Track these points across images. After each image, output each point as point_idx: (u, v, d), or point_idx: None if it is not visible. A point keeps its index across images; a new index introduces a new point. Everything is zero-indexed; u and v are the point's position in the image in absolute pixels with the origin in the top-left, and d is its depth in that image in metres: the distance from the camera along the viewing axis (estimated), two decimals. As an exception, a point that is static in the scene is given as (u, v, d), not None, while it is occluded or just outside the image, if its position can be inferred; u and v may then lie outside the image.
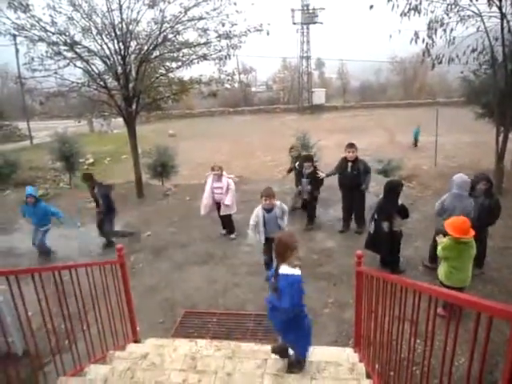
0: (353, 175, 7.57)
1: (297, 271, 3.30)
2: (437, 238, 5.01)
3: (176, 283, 6.44)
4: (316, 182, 8.04)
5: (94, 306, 3.80)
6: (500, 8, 9.06)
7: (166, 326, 5.28)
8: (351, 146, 7.67)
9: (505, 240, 7.23)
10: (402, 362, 2.87)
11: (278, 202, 6.04)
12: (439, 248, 4.72)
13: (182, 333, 5.03)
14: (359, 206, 7.81)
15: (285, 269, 3.29)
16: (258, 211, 5.97)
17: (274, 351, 3.73)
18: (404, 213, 6.11)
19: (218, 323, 5.26)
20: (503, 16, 9.12)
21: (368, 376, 3.53)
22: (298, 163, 8.65)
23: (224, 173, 7.89)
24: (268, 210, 5.93)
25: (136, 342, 4.54)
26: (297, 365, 3.61)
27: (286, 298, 3.19)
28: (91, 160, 21.33)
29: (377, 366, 3.42)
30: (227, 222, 8.12)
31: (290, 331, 3.49)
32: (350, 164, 7.58)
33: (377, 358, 3.42)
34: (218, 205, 7.93)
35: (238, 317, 5.37)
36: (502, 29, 9.28)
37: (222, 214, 7.96)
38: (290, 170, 9.67)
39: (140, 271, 6.94)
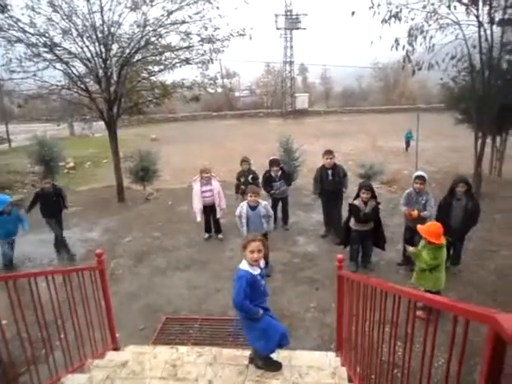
0: (334, 182, 7.56)
1: (249, 268, 3.41)
2: (408, 249, 5.09)
3: (157, 289, 6.35)
4: (289, 181, 8.45)
5: (71, 314, 3.71)
6: (477, 17, 9.29)
7: (147, 333, 5.19)
8: (329, 152, 7.63)
9: (483, 243, 7.37)
10: (382, 364, 2.87)
11: (263, 202, 6.11)
12: (424, 260, 4.78)
13: (163, 339, 4.95)
14: (337, 216, 7.77)
15: (242, 264, 3.47)
16: (243, 206, 6.15)
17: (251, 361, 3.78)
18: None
19: (199, 329, 5.20)
20: (480, 24, 9.34)
21: (350, 380, 3.53)
22: (251, 176, 8.31)
23: (213, 174, 7.96)
24: (252, 207, 6.06)
25: (115, 349, 4.44)
26: (258, 361, 3.67)
27: (236, 289, 3.34)
28: (72, 164, 20.93)
29: (358, 370, 3.42)
30: (218, 223, 8.24)
31: (253, 329, 3.56)
32: (330, 171, 7.55)
33: (358, 361, 3.42)
34: (206, 208, 7.93)
35: (220, 322, 5.31)
36: (480, 37, 9.51)
37: (217, 217, 8.11)
38: (238, 188, 8.37)
39: (120, 277, 6.83)
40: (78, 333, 3.76)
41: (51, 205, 7.60)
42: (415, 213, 6.04)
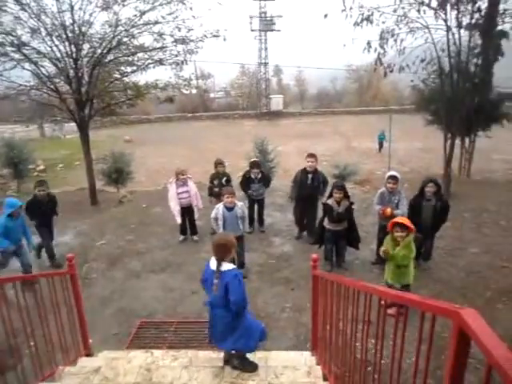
0: (313, 187, 7.38)
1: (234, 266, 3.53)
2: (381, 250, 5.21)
3: (132, 293, 6.25)
4: (268, 183, 8.42)
5: (42, 320, 3.62)
6: (446, 21, 9.56)
7: (121, 338, 5.11)
8: (312, 156, 7.41)
9: (453, 241, 7.57)
10: (356, 362, 2.91)
11: (239, 203, 6.13)
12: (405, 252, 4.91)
13: (138, 344, 4.88)
14: (312, 217, 7.65)
15: (226, 265, 3.43)
16: (219, 208, 6.16)
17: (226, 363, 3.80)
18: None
19: (175, 332, 5.15)
20: (448, 29, 9.61)
21: (325, 378, 3.57)
22: (225, 179, 8.21)
23: (189, 175, 7.94)
24: (229, 208, 6.10)
25: (88, 355, 4.35)
26: (234, 360, 3.71)
27: (236, 290, 3.32)
28: (42, 166, 20.41)
29: (333, 368, 3.46)
30: (194, 225, 8.18)
31: (236, 329, 3.51)
32: (310, 176, 7.34)
33: (333, 359, 3.46)
34: (182, 210, 7.85)
35: (196, 325, 5.27)
36: (448, 41, 9.78)
37: (195, 217, 8.06)
38: (212, 190, 8.29)
39: (93, 282, 6.69)
40: (48, 340, 3.67)
41: (44, 213, 7.14)
42: (389, 210, 6.17)
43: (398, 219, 4.94)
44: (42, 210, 7.12)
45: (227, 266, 3.43)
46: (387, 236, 5.16)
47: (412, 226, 4.85)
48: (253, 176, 8.02)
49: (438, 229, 6.50)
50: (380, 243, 6.27)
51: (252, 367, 3.69)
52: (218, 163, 8.44)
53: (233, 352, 3.72)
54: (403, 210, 6.24)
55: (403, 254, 4.84)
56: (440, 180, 6.90)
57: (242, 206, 6.28)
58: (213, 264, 3.49)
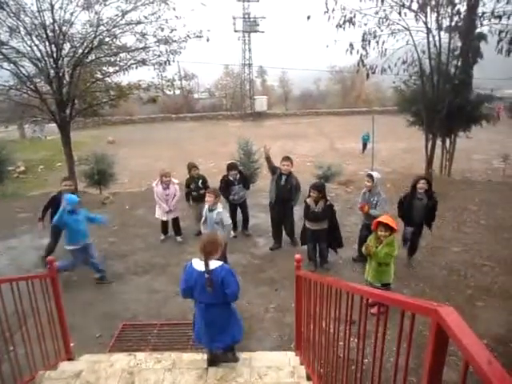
0: (286, 189, 7.25)
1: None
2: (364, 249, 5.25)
3: (114, 295, 6.17)
4: (247, 184, 8.33)
5: (21, 324, 3.54)
6: (426, 23, 9.73)
7: (103, 341, 5.03)
8: (287, 159, 7.36)
9: (435, 240, 7.69)
10: (339, 361, 2.93)
11: (217, 210, 6.00)
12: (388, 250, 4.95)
13: (120, 347, 4.82)
14: (289, 219, 7.55)
15: (214, 263, 3.47)
16: (205, 207, 6.23)
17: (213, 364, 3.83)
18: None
19: (158, 334, 5.10)
20: (429, 31, 9.79)
21: (308, 378, 3.58)
22: (201, 181, 8.07)
23: (172, 179, 7.92)
24: (210, 209, 6.09)
25: (69, 359, 4.28)
26: (230, 354, 3.94)
27: (233, 283, 3.45)
28: (22, 168, 20.07)
29: (317, 368, 3.47)
30: (177, 225, 8.16)
31: (232, 323, 3.72)
32: (284, 177, 7.25)
33: (317, 359, 3.48)
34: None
35: (180, 326, 5.24)
36: (429, 43, 9.97)
37: (173, 217, 8.03)
38: (189, 195, 8.22)
39: (75, 284, 6.58)
40: (28, 344, 3.59)
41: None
42: (366, 208, 6.34)
43: (382, 219, 4.98)
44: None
45: (215, 264, 3.45)
46: (371, 235, 5.21)
47: (395, 227, 4.91)
48: (231, 178, 7.87)
49: (431, 226, 6.67)
50: (362, 241, 6.46)
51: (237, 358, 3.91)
52: (192, 167, 8.21)
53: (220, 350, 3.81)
54: (379, 211, 6.21)
55: (385, 252, 4.89)
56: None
57: (219, 213, 5.98)
58: (198, 265, 3.46)
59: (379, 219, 5.04)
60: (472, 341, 1.12)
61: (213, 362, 3.82)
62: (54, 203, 6.76)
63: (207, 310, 3.51)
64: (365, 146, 23.39)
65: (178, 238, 8.11)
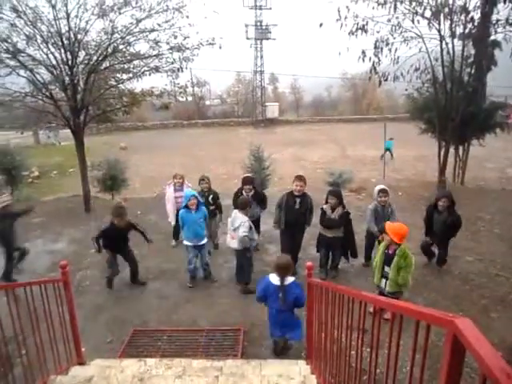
0: (300, 212, 6.46)
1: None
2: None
3: (125, 301, 6.20)
4: (264, 204, 7.59)
5: (33, 328, 3.57)
6: (439, 31, 9.68)
7: (114, 346, 5.06)
8: (300, 179, 6.47)
9: (448, 249, 7.56)
10: (351, 371, 2.89)
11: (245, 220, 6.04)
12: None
13: (131, 352, 4.84)
14: (298, 244, 6.84)
15: (289, 279, 4.28)
16: (245, 220, 6.07)
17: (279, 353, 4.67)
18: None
19: (168, 340, 5.10)
20: (442, 38, 9.74)
21: (319, 388, 3.54)
22: (211, 197, 7.50)
23: (186, 182, 7.92)
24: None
25: (81, 364, 4.30)
26: (290, 345, 4.65)
27: (302, 297, 4.25)
28: (36, 173, 20.35)
29: (328, 377, 3.43)
30: None
31: (294, 323, 4.48)
32: (298, 200, 6.43)
33: (328, 368, 3.44)
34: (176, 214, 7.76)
35: (190, 333, 5.24)
36: (442, 50, 9.90)
37: None
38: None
39: (87, 289, 6.63)
40: (40, 348, 3.62)
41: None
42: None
43: (389, 228, 4.95)
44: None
45: (289, 280, 4.27)
46: (383, 242, 5.19)
47: (397, 239, 4.82)
48: (245, 193, 7.18)
49: (447, 242, 6.74)
50: (369, 245, 6.95)
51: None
52: (201, 180, 7.55)
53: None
54: (395, 219, 6.35)
55: (405, 262, 4.84)
56: (430, 190, 6.95)
57: (246, 224, 5.99)
58: (274, 280, 4.31)
59: (386, 228, 4.97)
60: (490, 354, 1.10)
61: (279, 351, 4.64)
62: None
63: (277, 314, 4.37)
64: (388, 151, 22.37)
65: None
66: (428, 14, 9.51)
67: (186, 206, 6.31)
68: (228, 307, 5.87)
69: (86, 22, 9.49)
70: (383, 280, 5.13)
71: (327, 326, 3.43)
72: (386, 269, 5.06)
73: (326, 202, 6.41)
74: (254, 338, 5.11)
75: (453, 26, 9.78)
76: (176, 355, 4.62)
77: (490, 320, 5.27)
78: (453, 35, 9.94)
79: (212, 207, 7.34)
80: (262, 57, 45.35)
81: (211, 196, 7.49)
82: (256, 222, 7.43)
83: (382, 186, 6.64)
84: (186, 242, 6.55)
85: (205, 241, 6.57)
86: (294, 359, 4.41)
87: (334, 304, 3.16)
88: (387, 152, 22.41)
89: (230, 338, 5.08)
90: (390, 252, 4.99)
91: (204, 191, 7.49)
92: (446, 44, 9.92)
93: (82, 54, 9.89)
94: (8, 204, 7.00)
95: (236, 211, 6.15)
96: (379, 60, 9.99)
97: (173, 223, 7.93)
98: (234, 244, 6.12)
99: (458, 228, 6.52)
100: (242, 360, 4.35)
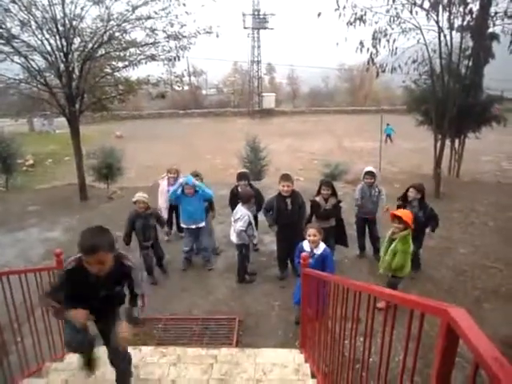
0: (293, 212, 6.11)
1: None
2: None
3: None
4: (259, 205, 6.79)
5: (29, 316, 3.58)
6: (437, 22, 9.62)
7: (109, 334, 5.07)
8: (286, 178, 6.11)
9: (443, 240, 7.63)
10: (344, 360, 2.92)
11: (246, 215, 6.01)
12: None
13: (126, 340, 4.85)
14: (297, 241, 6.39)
15: (321, 246, 4.80)
16: (245, 215, 5.99)
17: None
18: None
19: (163, 329, 5.12)
20: (440, 30, 9.68)
21: (313, 375, 3.58)
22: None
23: (181, 175, 7.73)
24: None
25: (76, 351, 4.31)
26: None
27: (331, 266, 4.68)
28: (31, 161, 20.24)
29: (321, 366, 3.47)
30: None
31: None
32: (288, 200, 6.07)
33: (321, 357, 3.47)
34: (172, 207, 7.68)
35: (185, 321, 5.26)
36: (440, 42, 9.85)
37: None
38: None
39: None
40: (35, 336, 3.63)
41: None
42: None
43: (397, 213, 4.97)
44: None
45: (321, 247, 4.83)
46: (388, 232, 5.18)
47: (410, 222, 4.87)
48: (240, 190, 6.79)
49: (422, 238, 6.20)
50: (360, 234, 7.01)
51: None
52: (194, 176, 6.87)
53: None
54: (384, 200, 6.65)
55: (400, 249, 4.87)
56: (425, 183, 6.88)
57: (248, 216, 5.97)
58: (306, 246, 4.80)
59: (394, 212, 5.01)
60: (484, 343, 1.11)
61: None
62: None
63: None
64: (389, 137, 24.93)
65: (181, 234, 8.01)
66: (427, 5, 9.44)
67: (183, 191, 6.36)
68: (223, 296, 5.90)
69: (82, 9, 9.41)
70: None
71: (321, 315, 3.45)
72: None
73: (318, 193, 6.36)
74: (249, 327, 5.14)
75: (451, 17, 9.71)
76: (171, 343, 4.64)
77: (483, 311, 5.33)
78: (451, 27, 9.87)
79: (205, 204, 6.84)
80: (259, 46, 45.16)
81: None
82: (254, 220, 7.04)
83: (368, 169, 6.73)
84: (182, 224, 6.64)
85: (202, 224, 6.55)
86: (288, 348, 4.45)
87: (328, 294, 3.18)
88: (389, 136, 23.84)
89: (224, 326, 5.10)
90: (395, 238, 5.03)
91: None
92: (444, 36, 9.86)
93: (77, 40, 9.82)
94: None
95: (240, 204, 6.09)
96: (377, 51, 9.91)
97: (165, 217, 7.82)
98: (233, 237, 6.12)
99: (434, 222, 6.06)
100: (237, 348, 4.39)
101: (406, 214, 4.97)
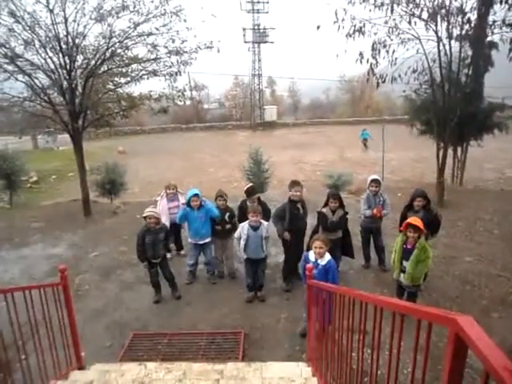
0: (305, 216, 6.33)
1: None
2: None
3: (125, 304, 6.18)
4: (267, 215, 6.56)
5: (33, 333, 3.56)
6: (436, 32, 9.69)
7: (114, 350, 5.03)
8: (297, 183, 6.15)
9: (447, 250, 7.58)
10: (352, 372, 2.88)
11: (265, 223, 5.99)
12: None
13: (131, 356, 4.81)
14: (302, 248, 6.39)
15: (326, 257, 4.74)
16: (244, 226, 5.93)
17: None
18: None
19: (168, 344, 5.08)
20: (439, 40, 9.74)
21: (321, 390, 3.53)
22: (228, 215, 6.74)
23: (179, 190, 7.71)
24: (254, 227, 5.86)
25: (80, 368, 4.28)
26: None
27: (335, 278, 4.70)
28: (35, 178, 20.31)
29: (329, 379, 3.42)
30: (180, 242, 7.93)
31: None
32: (299, 205, 6.20)
33: (329, 370, 3.42)
34: (173, 226, 7.34)
35: (190, 336, 5.22)
36: (439, 51, 9.91)
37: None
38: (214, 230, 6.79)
39: (86, 293, 6.61)
40: (40, 353, 3.60)
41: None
42: (375, 212, 6.56)
43: (411, 221, 4.95)
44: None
45: (327, 257, 4.76)
46: (399, 236, 5.21)
47: (423, 229, 4.90)
48: (249, 204, 6.53)
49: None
50: (365, 244, 7.03)
51: None
52: (218, 196, 6.74)
53: None
54: (388, 210, 6.73)
55: (426, 255, 4.91)
56: (433, 189, 6.91)
57: (267, 225, 5.95)
58: (312, 257, 4.78)
59: (409, 221, 4.99)
60: (493, 351, 1.10)
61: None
62: None
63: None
64: (365, 143, 26.28)
65: (182, 252, 7.86)
66: (425, 15, 9.52)
67: (189, 205, 6.44)
68: (228, 310, 5.85)
69: (84, 27, 9.52)
70: (401, 274, 5.17)
71: (328, 327, 3.41)
72: (404, 263, 5.08)
73: (325, 205, 6.36)
74: (255, 340, 5.09)
75: (450, 27, 9.78)
76: (176, 359, 4.60)
77: (491, 320, 5.26)
78: (450, 36, 9.93)
79: (228, 226, 6.67)
80: (259, 60, 45.51)
81: (228, 214, 6.74)
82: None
83: (374, 177, 6.88)
84: (189, 240, 6.73)
85: (207, 240, 6.65)
86: (294, 361, 4.40)
87: (334, 305, 3.15)
88: (365, 140, 24.65)
89: (230, 340, 5.06)
90: (409, 247, 5.02)
91: (220, 209, 6.71)
92: (444, 45, 9.92)
93: (80, 58, 9.92)
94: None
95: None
96: (377, 62, 9.97)
97: None
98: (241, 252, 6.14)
99: (437, 226, 6.14)
100: (243, 363, 4.34)
101: (420, 222, 4.98)
